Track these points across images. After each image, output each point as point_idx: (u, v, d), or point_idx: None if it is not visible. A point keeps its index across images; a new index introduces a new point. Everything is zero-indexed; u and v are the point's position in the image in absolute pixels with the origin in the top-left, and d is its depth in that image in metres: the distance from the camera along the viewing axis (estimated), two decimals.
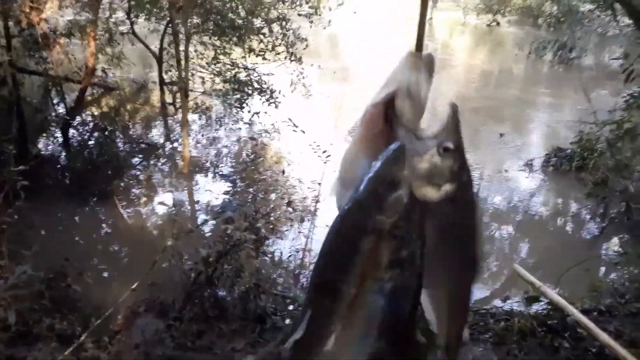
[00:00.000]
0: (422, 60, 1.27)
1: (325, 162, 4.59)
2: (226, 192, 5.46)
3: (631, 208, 6.36)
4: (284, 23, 8.39)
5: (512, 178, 8.60)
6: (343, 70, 13.97)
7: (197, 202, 6.74)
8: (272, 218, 4.81)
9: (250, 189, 6.03)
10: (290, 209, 5.12)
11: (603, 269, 5.82)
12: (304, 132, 5.71)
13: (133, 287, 4.13)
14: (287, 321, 3.88)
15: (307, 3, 8.27)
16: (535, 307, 4.30)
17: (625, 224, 6.58)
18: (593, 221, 7.27)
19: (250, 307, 4.28)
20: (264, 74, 9.19)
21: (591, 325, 3.75)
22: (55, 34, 7.79)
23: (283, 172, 5.80)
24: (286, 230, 5.39)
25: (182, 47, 8.22)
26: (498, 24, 23.09)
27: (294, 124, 5.49)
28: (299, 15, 8.52)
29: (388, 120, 1.28)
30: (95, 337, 4.14)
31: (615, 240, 6.66)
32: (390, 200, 1.16)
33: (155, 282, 4.69)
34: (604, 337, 3.65)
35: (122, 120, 10.18)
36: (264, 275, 4.49)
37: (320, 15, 8.58)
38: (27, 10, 6.72)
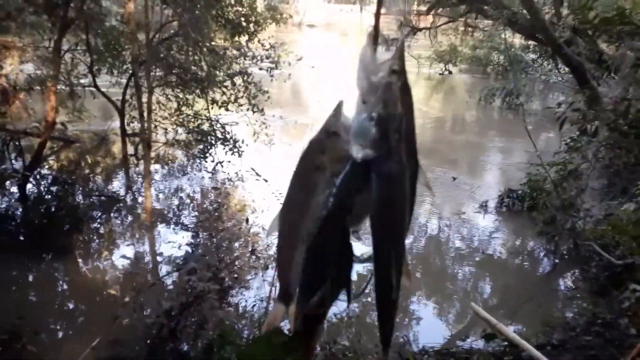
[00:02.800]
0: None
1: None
2: (189, 243, 5.46)
3: (578, 245, 6.70)
4: (245, 77, 8.68)
5: (467, 220, 8.92)
6: (305, 120, 14.37)
7: (160, 254, 6.69)
8: (236, 267, 4.85)
9: (214, 239, 6.06)
10: (253, 257, 5.19)
11: (558, 304, 6.07)
12: (266, 180, 5.85)
13: (93, 345, 4.05)
14: None
15: (267, 58, 8.63)
16: (493, 345, 4.45)
17: (575, 259, 6.91)
18: (546, 258, 7.60)
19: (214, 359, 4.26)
20: (227, 124, 9.38)
21: (544, 359, 3.92)
22: (15, 89, 7.77)
23: (247, 220, 5.87)
24: (250, 279, 5.44)
25: (144, 99, 8.38)
26: (450, 72, 24.31)
27: (257, 173, 5.62)
28: (260, 69, 8.85)
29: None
30: None
31: (566, 275, 6.96)
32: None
33: (117, 339, 4.62)
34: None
35: (82, 173, 10.08)
36: (229, 325, 4.49)
37: (280, 69, 8.94)
38: None
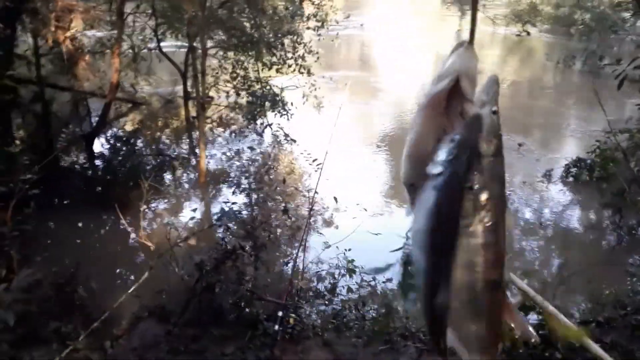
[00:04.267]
0: (475, 51, 1.49)
1: (316, 170, 4.70)
2: (227, 201, 5.57)
3: None
4: (297, 37, 8.54)
5: (527, 189, 8.46)
6: (357, 81, 14.23)
7: (211, 211, 6.94)
8: (268, 226, 4.91)
9: (260, 199, 6.18)
10: (288, 217, 5.22)
11: (614, 281, 5.61)
12: (294, 140, 5.89)
13: (129, 291, 4.29)
14: (276, 327, 3.94)
15: (314, 17, 8.41)
16: (531, 317, 4.22)
17: None
18: (612, 233, 7.04)
19: (244, 313, 4.38)
20: (280, 87, 9.38)
21: None
22: (79, 51, 8.17)
23: (284, 181, 5.90)
24: (284, 238, 5.50)
25: (208, 63, 8.54)
26: (528, 33, 22.71)
27: (285, 134, 5.57)
28: (307, 29, 8.67)
29: (449, 100, 1.49)
30: (97, 340, 4.34)
31: (630, 252, 6.43)
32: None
33: (160, 290, 4.88)
34: (595, 348, 3.54)
35: (148, 134, 10.55)
36: (259, 282, 4.58)
37: (327, 28, 8.69)
38: (53, 30, 7.11)
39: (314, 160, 4.79)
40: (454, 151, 1.38)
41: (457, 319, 1.46)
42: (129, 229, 4.97)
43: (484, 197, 1.41)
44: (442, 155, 1.40)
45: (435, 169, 1.41)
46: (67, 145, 8.94)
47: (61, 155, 8.95)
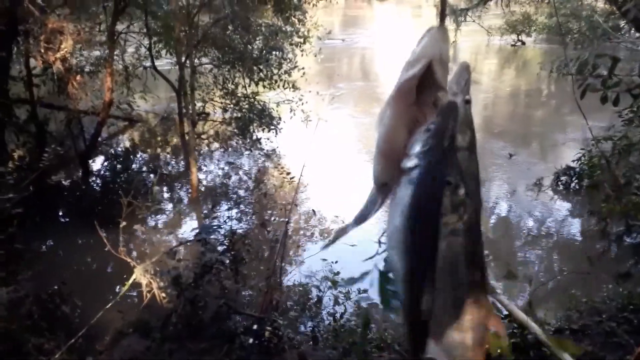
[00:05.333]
0: (447, 34, 1.39)
1: (289, 183, 4.77)
2: (207, 216, 5.64)
3: (630, 227, 6.12)
4: (282, 54, 8.69)
5: (517, 198, 8.48)
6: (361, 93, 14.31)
7: (196, 227, 7.00)
8: (247, 240, 4.96)
9: (241, 213, 6.24)
10: (267, 231, 5.27)
11: (594, 288, 5.60)
12: (269, 155, 5.99)
13: (107, 307, 4.34)
14: (251, 340, 3.98)
15: (296, 33, 8.55)
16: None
17: (629, 243, 6.35)
18: (601, 240, 7.02)
19: (222, 327, 4.42)
20: (269, 101, 9.51)
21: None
22: (70, 71, 8.31)
23: (265, 194, 5.96)
24: (265, 251, 5.55)
25: (202, 80, 8.62)
26: (523, 43, 22.85)
27: (261, 148, 5.68)
28: (291, 44, 8.80)
29: (421, 90, 1.38)
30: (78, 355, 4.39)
31: (617, 259, 6.42)
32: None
33: (143, 304, 4.92)
34: (565, 356, 3.56)
35: (143, 151, 10.67)
36: (238, 295, 4.62)
37: (311, 44, 8.82)
38: (43, 50, 7.26)
39: (287, 174, 4.88)
40: (429, 141, 1.27)
41: (439, 327, 1.33)
42: (109, 245, 5.00)
43: (461, 192, 1.29)
44: (416, 147, 1.29)
45: (410, 162, 1.30)
46: (60, 163, 9.03)
47: (54, 173, 9.08)
